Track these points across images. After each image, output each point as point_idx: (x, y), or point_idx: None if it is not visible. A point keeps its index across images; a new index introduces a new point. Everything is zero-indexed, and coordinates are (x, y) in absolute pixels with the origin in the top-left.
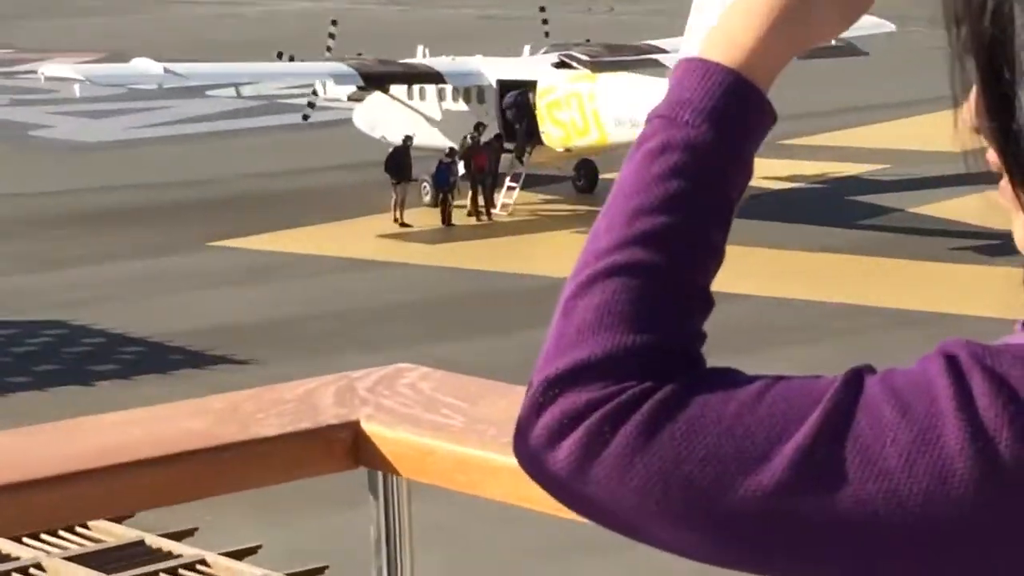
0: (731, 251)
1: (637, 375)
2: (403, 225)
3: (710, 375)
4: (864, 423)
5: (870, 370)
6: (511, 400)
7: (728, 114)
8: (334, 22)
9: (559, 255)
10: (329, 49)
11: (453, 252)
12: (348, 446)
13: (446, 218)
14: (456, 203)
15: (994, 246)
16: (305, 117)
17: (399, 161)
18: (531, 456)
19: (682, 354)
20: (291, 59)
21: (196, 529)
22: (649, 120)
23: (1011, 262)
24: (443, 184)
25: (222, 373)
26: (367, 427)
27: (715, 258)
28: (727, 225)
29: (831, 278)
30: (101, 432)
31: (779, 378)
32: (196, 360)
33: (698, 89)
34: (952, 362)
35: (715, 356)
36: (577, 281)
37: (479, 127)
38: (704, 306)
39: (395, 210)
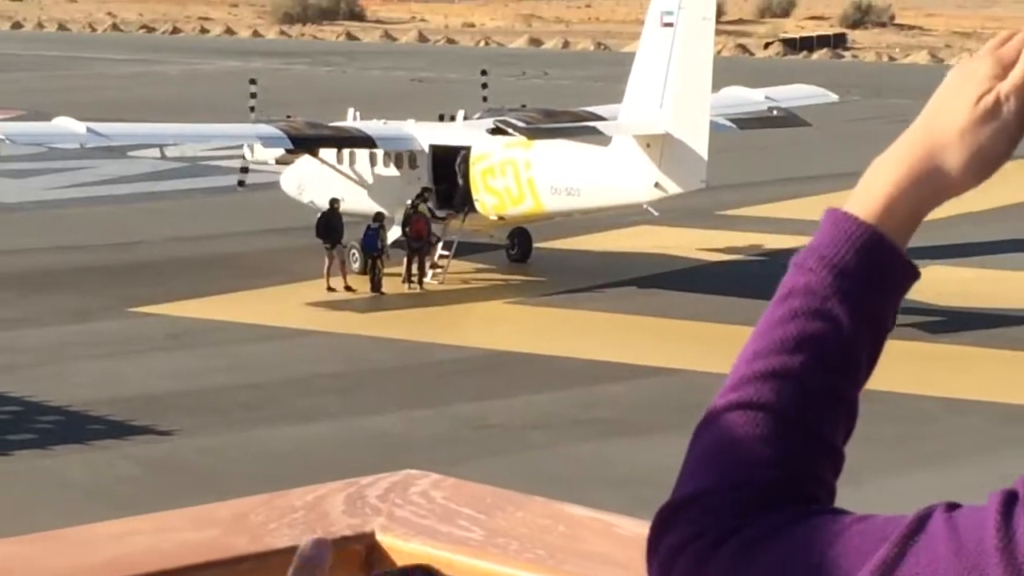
0: (661, 324)
1: (732, 512)
2: (346, 288)
3: (803, 513)
4: (920, 561)
5: (949, 507)
6: (528, 512)
7: (851, 264)
8: (253, 81)
9: (490, 327)
10: (253, 109)
11: (382, 321)
12: (362, 559)
13: (375, 285)
14: (387, 270)
15: (938, 323)
16: (240, 183)
17: (330, 225)
18: (658, 568)
19: (775, 490)
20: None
21: None
22: (788, 265)
23: (954, 339)
24: (371, 250)
25: (144, 444)
26: (382, 539)
27: (835, 404)
28: (851, 374)
29: None
30: (107, 543)
31: (865, 517)
32: (116, 430)
33: (829, 238)
34: (1009, 498)
35: (636, 435)
36: (707, 411)
37: (424, 193)
38: (823, 449)
39: (327, 276)
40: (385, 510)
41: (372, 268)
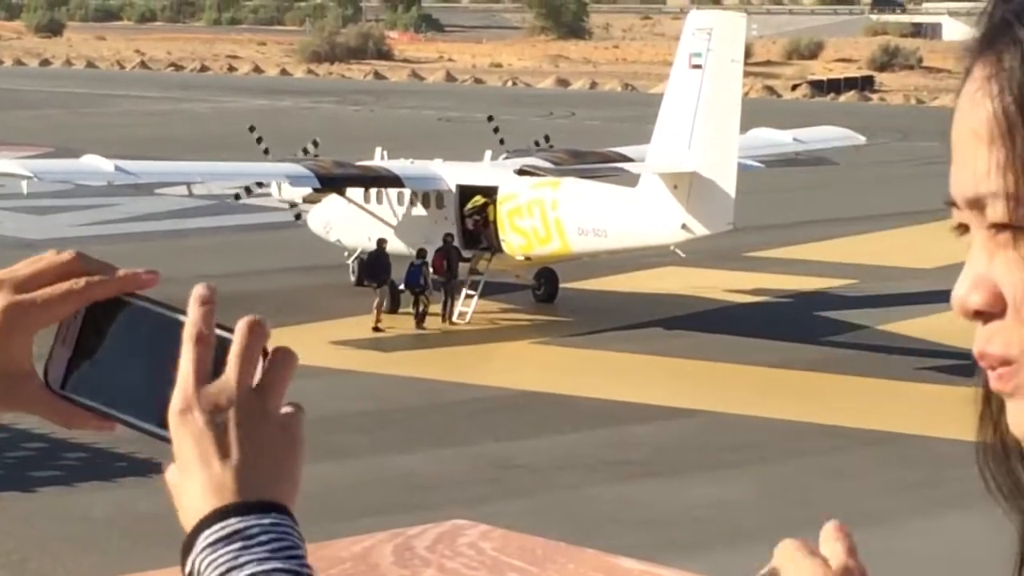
0: (687, 365)
1: None
2: (374, 328)
3: None
4: None
5: None
6: (580, 564)
7: None
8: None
9: (516, 367)
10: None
11: (409, 360)
12: None
13: (419, 321)
14: (404, 310)
15: (960, 366)
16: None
17: (377, 264)
18: None
19: None
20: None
21: None
22: None
23: (975, 383)
24: (415, 286)
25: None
26: None
27: None
28: None
29: (793, 395)
30: None
31: None
32: (140, 468)
33: None
34: None
35: (662, 476)
36: None
37: (448, 238)
38: None
39: (378, 314)
40: (435, 561)
41: (416, 304)
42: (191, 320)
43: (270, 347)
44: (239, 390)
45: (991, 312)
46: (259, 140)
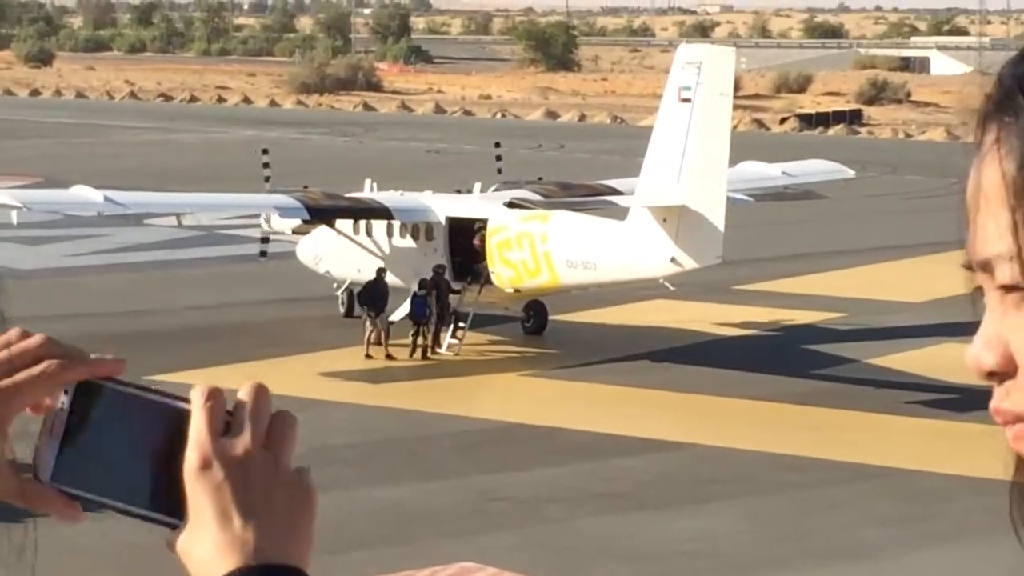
0: (675, 398)
1: None
2: (387, 357)
3: None
4: None
5: None
6: None
7: None
8: (265, 151)
9: (505, 399)
10: (267, 179)
11: (396, 392)
12: None
13: (424, 351)
14: (394, 342)
15: (949, 400)
16: (263, 253)
17: (374, 293)
18: None
19: None
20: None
21: None
22: None
23: (964, 418)
24: (420, 317)
25: None
26: None
27: None
28: None
29: (783, 429)
30: None
31: None
32: None
33: None
34: None
35: (650, 509)
36: None
37: (439, 269)
38: None
39: (368, 343)
40: None
41: (416, 334)
42: (199, 383)
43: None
44: (254, 447)
45: (1004, 372)
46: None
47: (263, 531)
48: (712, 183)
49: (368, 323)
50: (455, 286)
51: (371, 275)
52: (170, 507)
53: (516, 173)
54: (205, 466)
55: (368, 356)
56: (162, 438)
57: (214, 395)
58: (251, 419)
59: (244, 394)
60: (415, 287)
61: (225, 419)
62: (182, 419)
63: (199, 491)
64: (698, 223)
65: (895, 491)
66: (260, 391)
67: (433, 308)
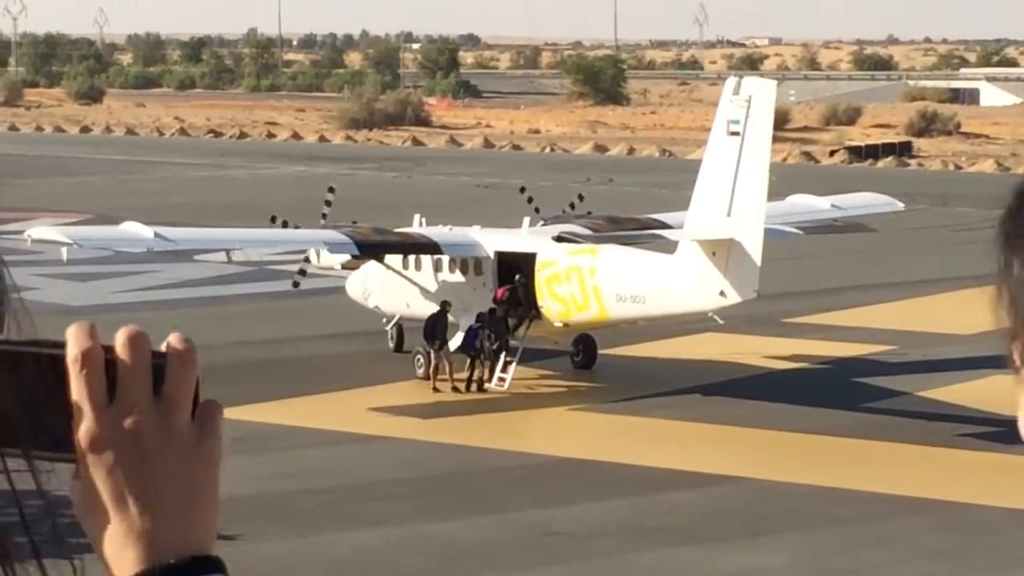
0: (726, 432)
1: None
2: (453, 389)
3: None
4: None
5: None
6: None
7: None
8: (331, 189)
9: (554, 433)
10: (324, 216)
11: (447, 427)
12: None
13: (479, 384)
14: (442, 377)
15: (999, 433)
16: (295, 284)
17: (436, 326)
18: None
19: None
20: (284, 224)
21: None
22: None
23: (1015, 450)
24: (471, 349)
25: None
26: None
27: None
28: None
29: (834, 462)
30: None
31: None
32: None
33: None
34: None
35: (701, 543)
36: None
37: (444, 305)
38: None
39: (434, 377)
40: None
41: (471, 367)
42: (71, 342)
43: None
44: (143, 412)
45: None
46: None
47: (161, 517)
48: (752, 217)
49: (433, 356)
50: (510, 321)
51: (421, 310)
52: (69, 444)
53: (563, 207)
54: (94, 447)
55: (435, 389)
56: (46, 385)
57: (89, 357)
58: (133, 378)
59: (120, 348)
60: (465, 320)
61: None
62: (59, 365)
63: (92, 472)
64: (743, 257)
65: (946, 524)
66: (135, 341)
67: (485, 341)
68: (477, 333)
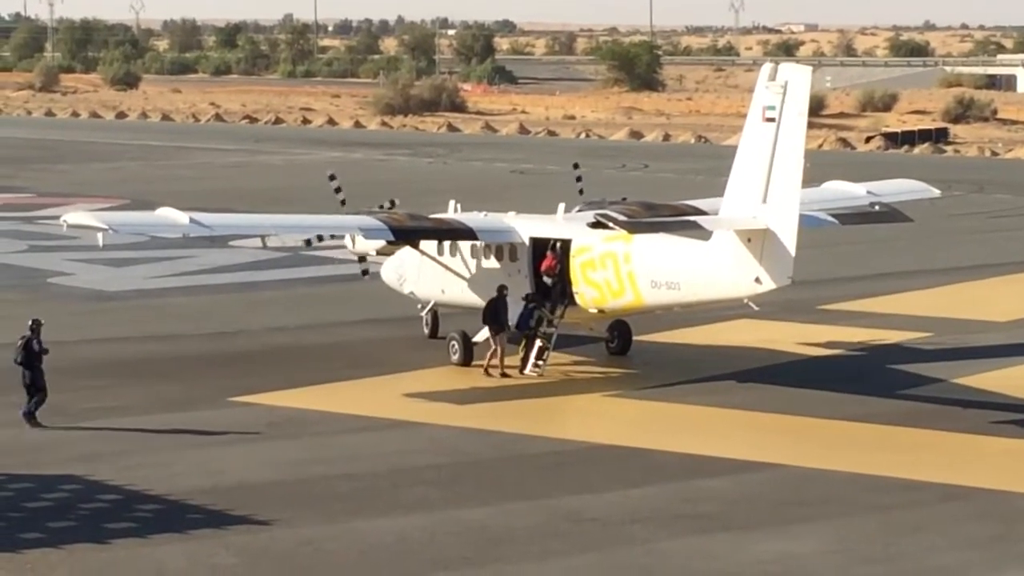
0: (761, 418)
1: None
2: (502, 375)
3: None
4: None
5: None
6: None
7: None
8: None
9: (589, 419)
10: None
11: (481, 413)
12: None
13: (524, 363)
14: (493, 362)
15: None
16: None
17: (497, 309)
18: None
19: None
20: (337, 189)
21: None
22: None
23: None
24: (524, 328)
25: (242, 535)
26: None
27: None
28: None
29: (869, 449)
30: None
31: None
32: (215, 520)
33: None
34: None
35: (735, 530)
36: None
37: (502, 289)
38: None
39: (489, 359)
40: None
41: (525, 346)
42: None
43: None
44: None
45: None
46: (338, 190)
47: None
48: (787, 203)
49: (492, 341)
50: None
51: (456, 296)
52: None
53: (601, 193)
54: None
55: (504, 374)
56: None
57: None
58: None
59: None
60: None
61: None
62: None
63: None
64: (778, 243)
65: (983, 512)
66: None
67: (537, 320)
68: (532, 312)
